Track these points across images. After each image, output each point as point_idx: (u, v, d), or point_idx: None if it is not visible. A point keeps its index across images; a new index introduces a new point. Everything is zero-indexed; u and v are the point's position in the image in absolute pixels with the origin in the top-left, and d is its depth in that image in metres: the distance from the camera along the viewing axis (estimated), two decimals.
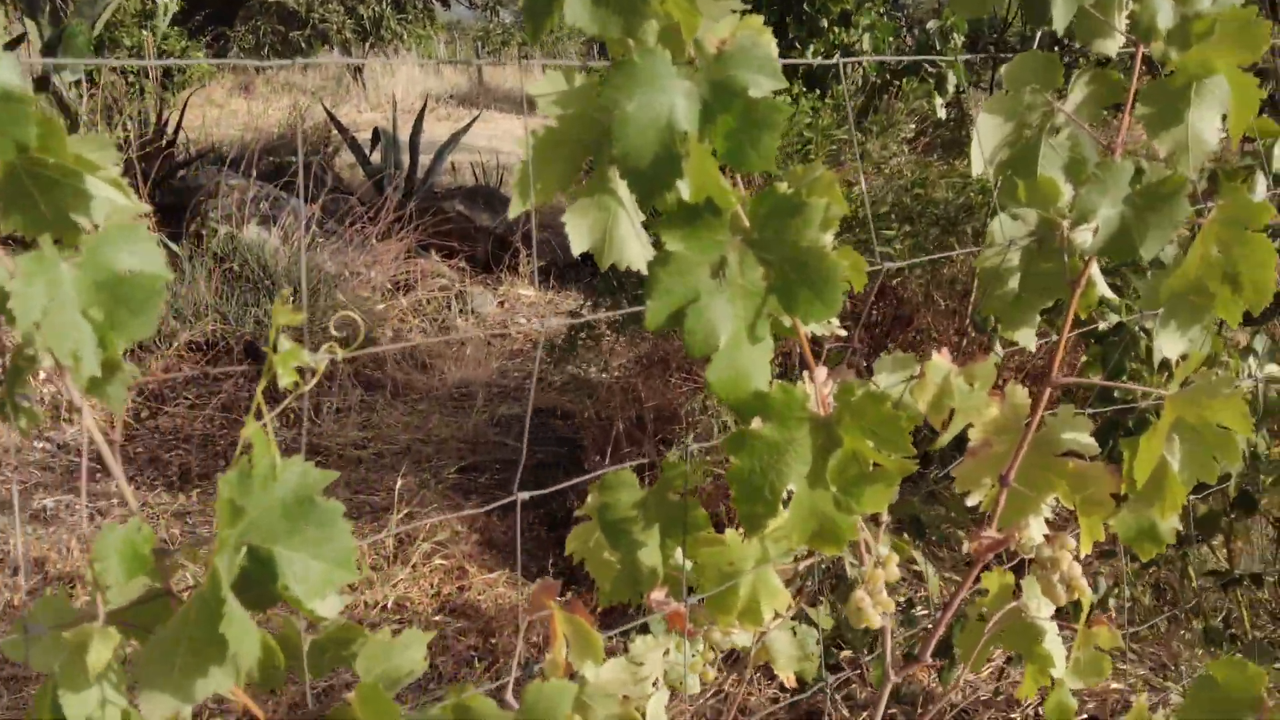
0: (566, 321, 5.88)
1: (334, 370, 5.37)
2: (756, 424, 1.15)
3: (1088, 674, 1.42)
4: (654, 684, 1.53)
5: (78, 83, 6.81)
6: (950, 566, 3.53)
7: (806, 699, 3.03)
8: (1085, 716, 3.18)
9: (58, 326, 0.82)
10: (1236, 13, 1.31)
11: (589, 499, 1.35)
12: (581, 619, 1.16)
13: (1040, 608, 1.46)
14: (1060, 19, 1.31)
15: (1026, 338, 1.48)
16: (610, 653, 1.31)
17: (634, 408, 4.16)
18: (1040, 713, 3.20)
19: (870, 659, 2.45)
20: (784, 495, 1.16)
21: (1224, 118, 1.41)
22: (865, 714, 3.09)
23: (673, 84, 1.02)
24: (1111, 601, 2.26)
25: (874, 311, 4.25)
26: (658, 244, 1.10)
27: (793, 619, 1.99)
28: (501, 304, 6.87)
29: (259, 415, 0.94)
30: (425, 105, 8.36)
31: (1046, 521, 1.49)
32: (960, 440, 1.47)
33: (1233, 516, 2.21)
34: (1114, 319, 1.91)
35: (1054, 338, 1.48)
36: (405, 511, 4.38)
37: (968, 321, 3.45)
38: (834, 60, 1.46)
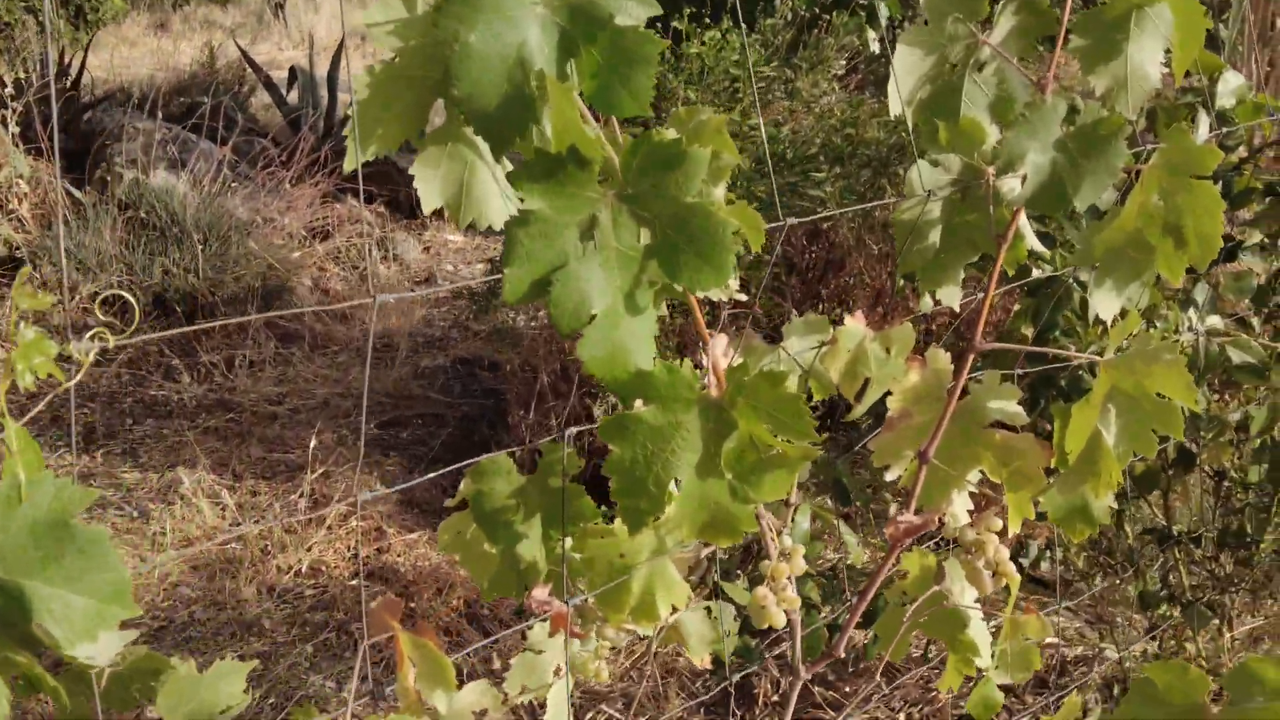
0: (490, 278, 5.70)
1: (246, 323, 5.15)
2: (640, 406, 1.01)
3: (1016, 668, 1.30)
4: (555, 672, 1.40)
5: None
6: (882, 533, 3.44)
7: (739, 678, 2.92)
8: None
9: None
10: None
11: (462, 486, 1.20)
12: (428, 641, 1.01)
13: (964, 592, 1.33)
14: None
15: (950, 296, 1.35)
16: None
17: (558, 359, 4.00)
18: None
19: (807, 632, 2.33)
20: (670, 487, 1.02)
21: (1167, 51, 1.27)
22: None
23: (523, 12, 0.86)
24: (1044, 565, 2.16)
25: (808, 256, 4.12)
26: None
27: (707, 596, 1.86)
28: (427, 249, 6.64)
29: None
30: (343, 41, 8.03)
31: (981, 496, 1.37)
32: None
33: (1170, 473, 2.11)
34: (1048, 270, 1.79)
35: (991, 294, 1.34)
36: (321, 470, 4.21)
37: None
38: None
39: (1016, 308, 2.10)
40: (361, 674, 1.04)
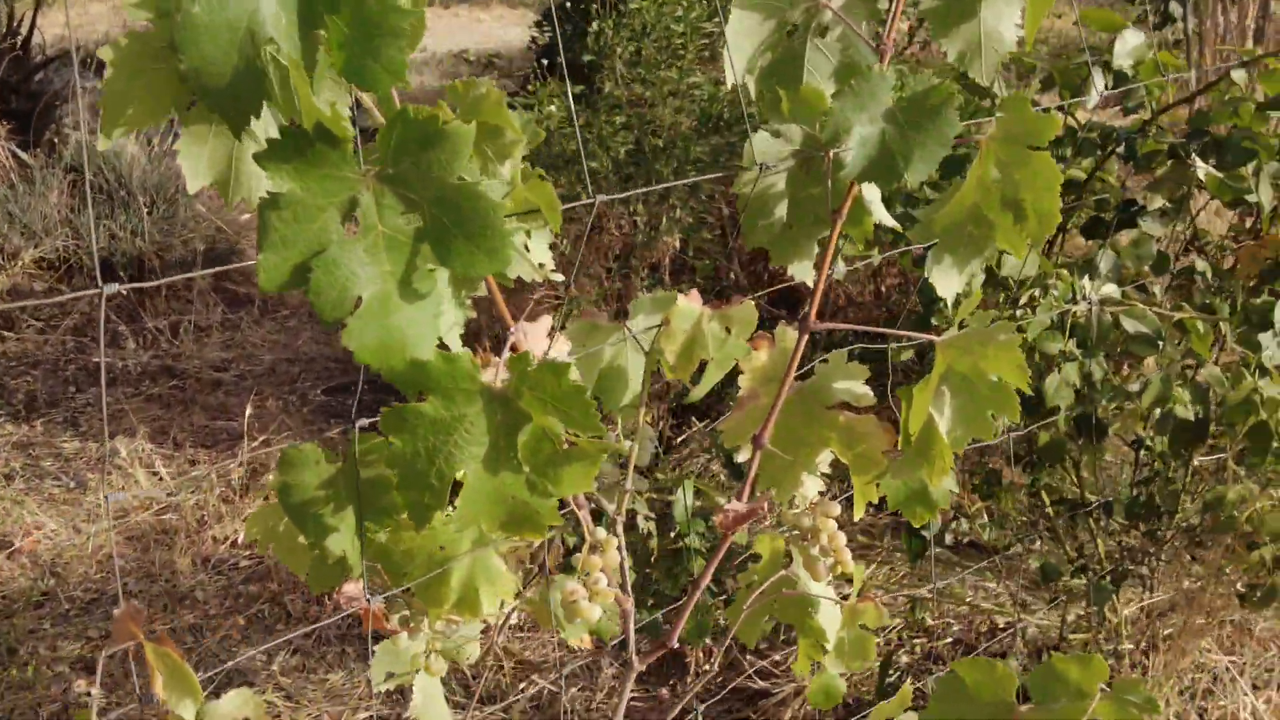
0: None
1: (191, 284, 5.08)
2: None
3: (853, 657, 1.26)
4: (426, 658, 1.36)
5: None
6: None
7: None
8: (951, 639, 3.09)
9: None
10: None
11: (271, 478, 1.14)
12: (170, 650, 0.96)
13: (822, 571, 1.29)
14: None
15: (802, 271, 1.29)
16: None
17: (499, 326, 3.95)
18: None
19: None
20: (455, 480, 0.97)
21: (1024, 12, 1.21)
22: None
23: None
24: (948, 537, 2.12)
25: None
26: None
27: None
28: None
29: None
30: None
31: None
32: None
33: (1080, 443, 2.06)
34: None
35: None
36: (261, 439, 4.16)
37: None
38: None
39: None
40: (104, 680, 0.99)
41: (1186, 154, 1.86)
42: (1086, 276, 1.79)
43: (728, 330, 1.23)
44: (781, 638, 3.03)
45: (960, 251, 1.15)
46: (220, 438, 4.29)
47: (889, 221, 1.25)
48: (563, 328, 1.19)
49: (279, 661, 3.23)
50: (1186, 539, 2.18)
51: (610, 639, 1.78)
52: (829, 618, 1.28)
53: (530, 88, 3.81)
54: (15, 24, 6.68)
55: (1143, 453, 2.21)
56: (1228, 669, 2.25)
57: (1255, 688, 2.43)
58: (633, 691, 3.17)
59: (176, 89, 0.91)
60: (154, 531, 3.76)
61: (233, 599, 3.49)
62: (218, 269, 1.25)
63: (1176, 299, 1.97)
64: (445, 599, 1.16)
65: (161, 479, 3.98)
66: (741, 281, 3.85)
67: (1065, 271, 1.78)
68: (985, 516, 2.12)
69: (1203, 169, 1.83)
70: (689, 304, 1.19)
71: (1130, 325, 1.76)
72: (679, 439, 3.52)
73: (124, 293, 4.35)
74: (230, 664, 3.20)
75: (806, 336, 1.18)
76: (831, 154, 1.17)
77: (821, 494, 1.29)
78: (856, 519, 1.24)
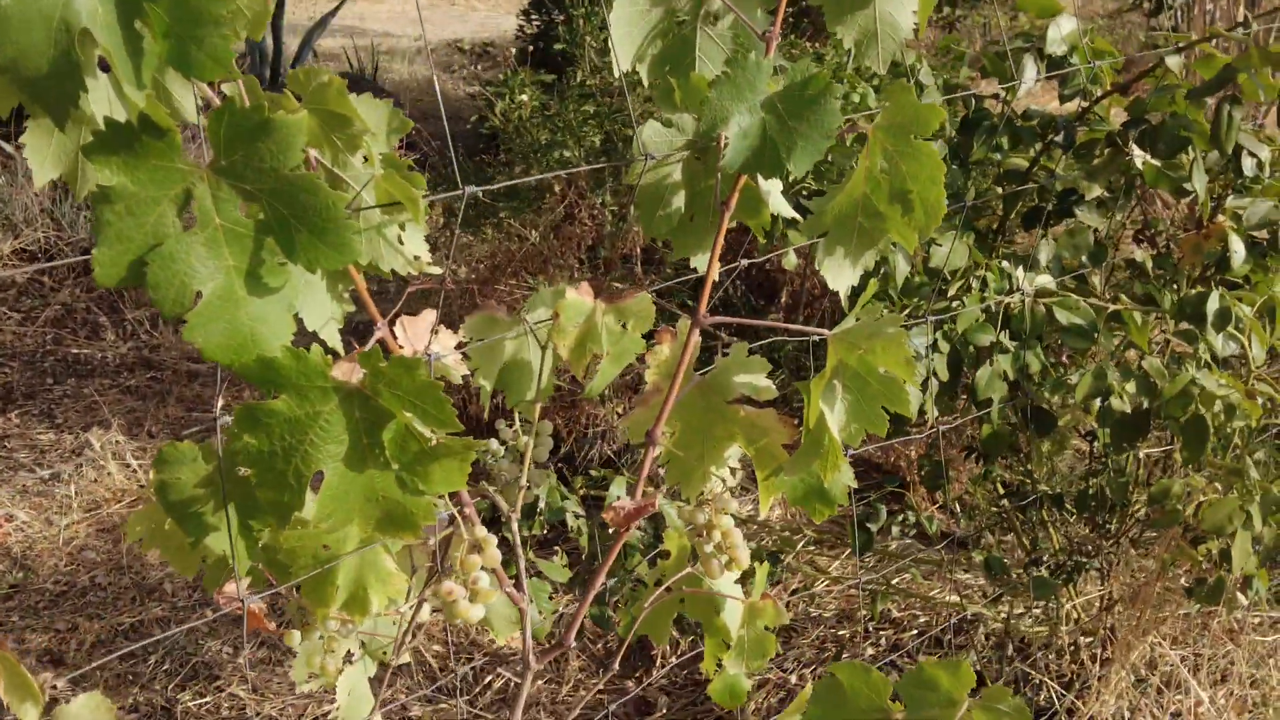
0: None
1: None
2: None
3: (752, 655, 1.23)
4: (348, 658, 1.34)
5: None
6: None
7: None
8: (916, 631, 3.07)
9: None
10: None
11: (151, 476, 1.12)
12: (7, 655, 0.94)
13: (716, 569, 1.27)
14: None
15: (705, 263, 1.27)
16: None
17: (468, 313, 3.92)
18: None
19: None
20: (312, 479, 0.95)
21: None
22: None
23: None
24: (895, 529, 2.09)
25: None
26: None
27: (530, 575, 1.80)
28: None
29: None
30: None
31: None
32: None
33: (1028, 435, 2.04)
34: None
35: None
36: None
37: None
38: None
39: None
40: None
41: (1124, 142, 1.82)
42: (1022, 267, 1.76)
43: (624, 325, 1.20)
44: None
45: (852, 244, 1.13)
46: (195, 430, 4.27)
47: (787, 212, 1.22)
48: (450, 324, 1.17)
49: (245, 655, 3.22)
50: (1137, 532, 2.16)
51: (545, 636, 1.76)
52: (731, 616, 1.26)
53: (502, 75, 3.78)
54: None
55: (1095, 445, 2.18)
56: (1182, 661, 2.22)
57: (1215, 682, 2.40)
58: (597, 684, 3.16)
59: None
60: (125, 524, 3.75)
61: (200, 591, 3.48)
62: None
63: (1123, 290, 1.94)
64: (331, 598, 1.14)
65: (135, 471, 3.97)
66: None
67: (998, 263, 1.75)
68: (932, 508, 2.10)
69: (1140, 157, 1.79)
70: (579, 298, 1.17)
71: (1063, 317, 1.72)
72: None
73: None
74: (197, 658, 3.20)
75: (698, 331, 1.16)
76: (724, 143, 1.15)
77: (726, 489, 1.27)
78: (762, 516, 1.21)
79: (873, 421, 1.11)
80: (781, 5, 1.11)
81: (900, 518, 2.07)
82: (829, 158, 1.91)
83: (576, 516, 1.64)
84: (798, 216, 1.24)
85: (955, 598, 3.14)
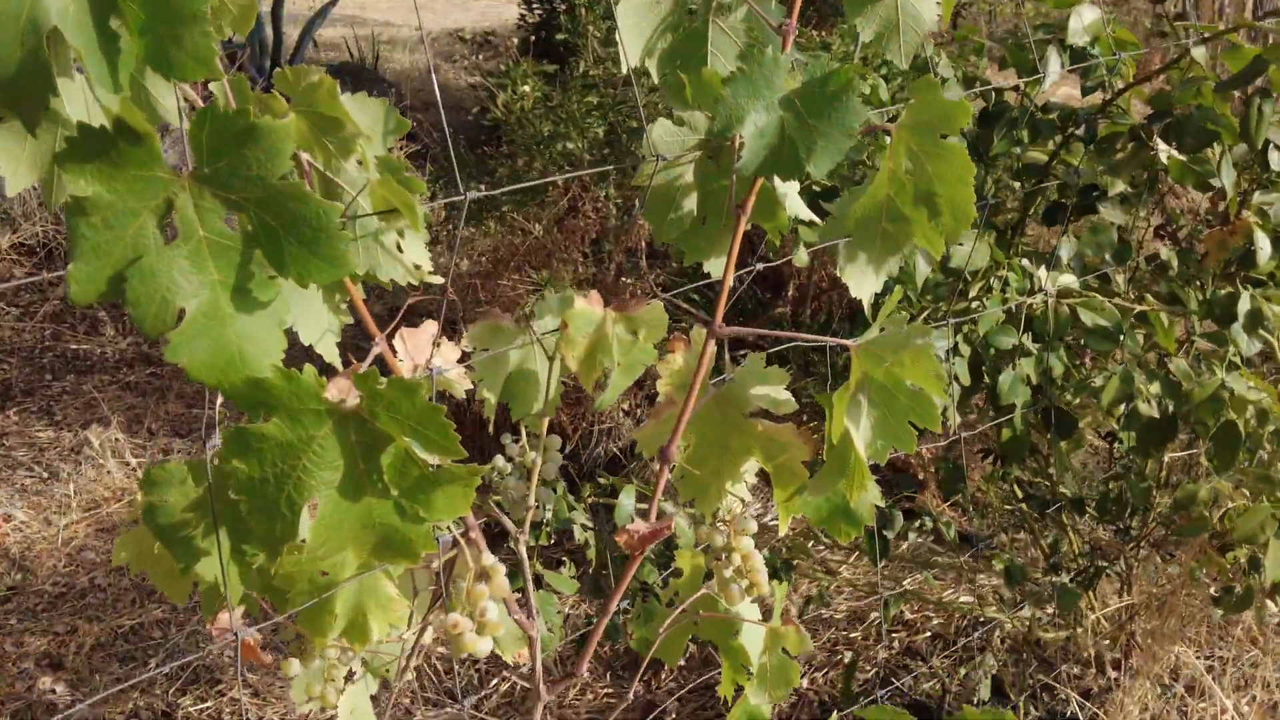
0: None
1: None
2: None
3: (776, 684, 1.17)
4: (349, 677, 1.29)
5: None
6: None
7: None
8: (929, 634, 3.01)
9: None
10: None
11: (138, 498, 1.07)
12: None
13: (735, 595, 1.21)
14: None
15: (719, 268, 1.21)
16: None
17: (470, 311, 3.87)
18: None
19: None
20: (307, 508, 0.89)
21: None
22: None
23: None
24: (912, 535, 2.04)
25: None
26: None
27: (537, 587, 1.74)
28: None
29: None
30: None
31: None
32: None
33: (1048, 437, 1.97)
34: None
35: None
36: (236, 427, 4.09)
37: None
38: None
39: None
40: None
41: (1148, 136, 1.76)
42: (1044, 266, 1.69)
43: (635, 334, 1.14)
44: None
45: (875, 249, 1.07)
46: (195, 425, 4.22)
47: (806, 215, 1.16)
48: (451, 335, 1.11)
49: None
50: (1160, 536, 2.09)
51: (552, 650, 1.70)
52: (752, 640, 1.20)
53: (503, 66, 3.71)
54: None
55: (1116, 446, 2.12)
56: (1209, 669, 2.16)
57: (1238, 687, 2.34)
58: (605, 688, 3.11)
59: None
60: (124, 523, 3.70)
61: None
62: None
63: (1146, 288, 1.87)
64: (329, 627, 1.08)
65: (134, 469, 3.92)
66: None
67: (1020, 262, 1.68)
68: (945, 508, 2.04)
69: (1164, 151, 1.73)
70: (589, 307, 1.11)
71: (1088, 318, 1.66)
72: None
73: None
74: (195, 659, 3.15)
75: (713, 342, 1.10)
76: (739, 143, 1.09)
77: (745, 507, 1.21)
78: (781, 535, 1.15)
79: (900, 438, 1.05)
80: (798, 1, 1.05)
81: (917, 523, 2.01)
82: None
83: (585, 528, 1.59)
84: (815, 219, 1.18)
85: (968, 598, 3.09)
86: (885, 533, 1.93)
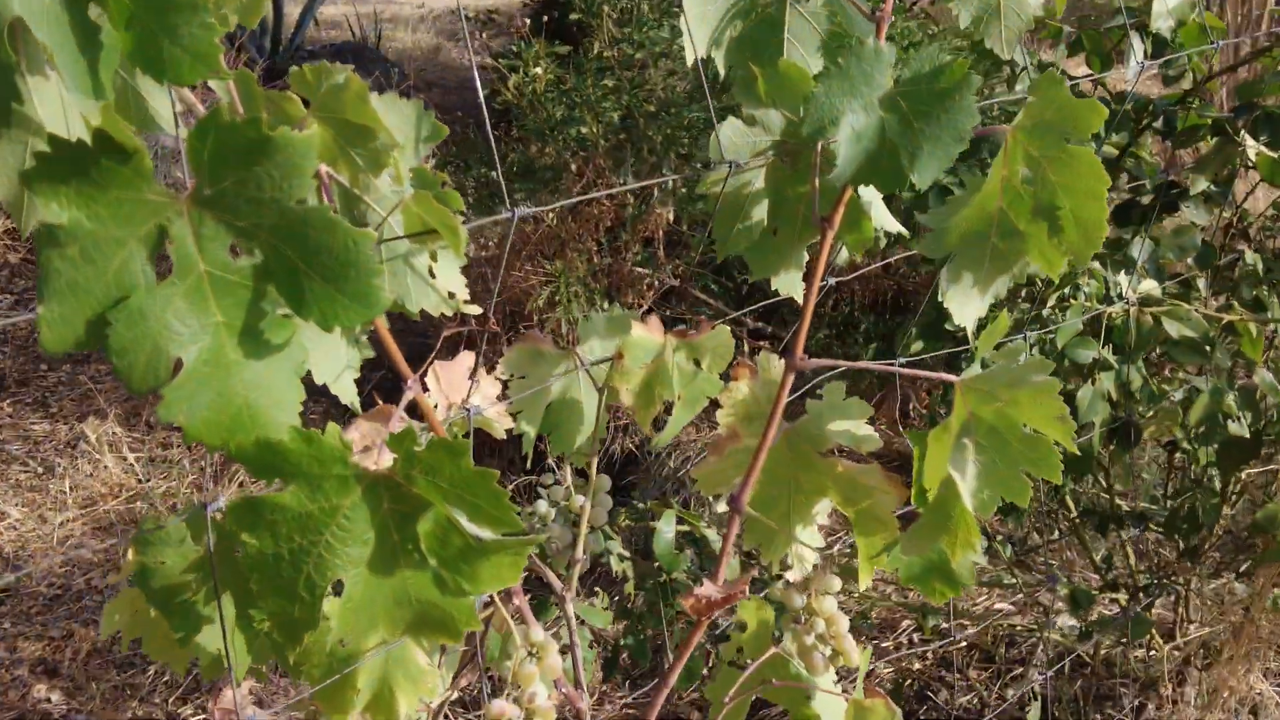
0: None
1: None
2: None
3: None
4: None
5: None
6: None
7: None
8: (965, 644, 2.88)
9: None
10: None
11: (129, 557, 0.93)
12: None
13: (819, 664, 1.07)
14: None
15: (790, 284, 1.06)
16: None
17: (481, 301, 3.72)
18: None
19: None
20: (329, 589, 0.75)
21: None
22: None
23: None
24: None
25: None
26: None
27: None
28: None
29: None
30: None
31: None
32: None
33: (1110, 448, 1.83)
34: None
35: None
36: None
37: None
38: None
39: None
40: None
41: (1234, 130, 1.61)
42: (1122, 272, 1.55)
43: (697, 363, 1.00)
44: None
45: (982, 268, 0.92)
46: None
47: (893, 226, 1.02)
48: (490, 368, 0.96)
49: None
50: (1230, 555, 1.96)
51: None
52: (830, 711, 1.06)
53: (514, 48, 3.55)
54: None
55: (1179, 456, 1.98)
56: (1277, 701, 2.03)
57: None
58: (624, 696, 2.98)
59: None
60: (122, 521, 3.56)
61: None
62: None
63: (1218, 294, 1.73)
64: (351, 703, 0.94)
65: (132, 465, 3.78)
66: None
67: (1098, 267, 1.54)
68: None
69: (1253, 148, 1.58)
70: (647, 334, 0.97)
71: (1173, 329, 1.52)
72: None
73: None
74: (199, 669, 3.02)
75: (793, 375, 0.95)
76: (821, 147, 0.94)
77: (822, 557, 1.07)
78: (861, 589, 1.01)
79: (1012, 488, 0.91)
80: None
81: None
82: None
83: (622, 558, 1.45)
84: (904, 231, 1.03)
85: (1002, 605, 2.96)
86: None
